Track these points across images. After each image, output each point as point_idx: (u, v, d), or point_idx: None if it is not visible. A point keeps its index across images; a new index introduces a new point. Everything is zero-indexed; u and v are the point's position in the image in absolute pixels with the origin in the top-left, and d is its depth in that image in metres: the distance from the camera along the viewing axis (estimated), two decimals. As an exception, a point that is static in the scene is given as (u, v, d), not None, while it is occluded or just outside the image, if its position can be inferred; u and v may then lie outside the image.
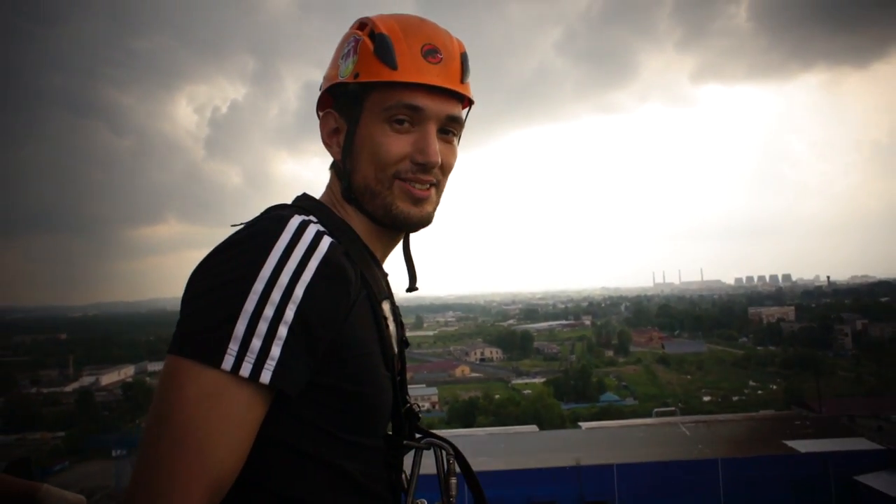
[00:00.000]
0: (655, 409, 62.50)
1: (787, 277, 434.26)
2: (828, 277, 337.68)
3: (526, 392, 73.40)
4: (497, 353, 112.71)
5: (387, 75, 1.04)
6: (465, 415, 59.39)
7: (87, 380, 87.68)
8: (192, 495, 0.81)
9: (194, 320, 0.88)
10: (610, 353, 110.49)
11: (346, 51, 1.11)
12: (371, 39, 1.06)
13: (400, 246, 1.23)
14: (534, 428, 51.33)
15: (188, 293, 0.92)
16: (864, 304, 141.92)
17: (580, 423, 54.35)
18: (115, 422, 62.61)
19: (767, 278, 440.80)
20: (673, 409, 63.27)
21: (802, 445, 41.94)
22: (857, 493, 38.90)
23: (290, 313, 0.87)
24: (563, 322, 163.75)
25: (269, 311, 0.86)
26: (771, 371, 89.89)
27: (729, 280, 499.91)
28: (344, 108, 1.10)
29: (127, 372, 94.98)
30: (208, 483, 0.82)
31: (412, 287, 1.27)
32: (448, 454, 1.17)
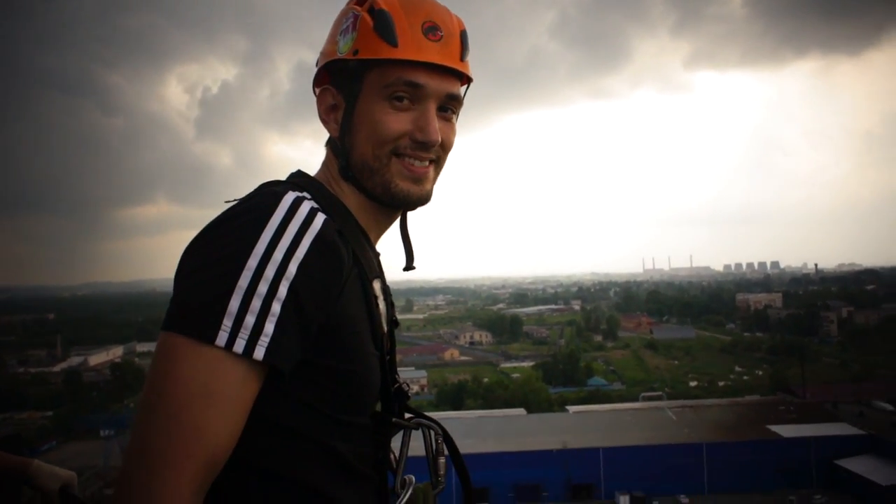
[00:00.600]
0: (642, 394, 63.05)
1: (775, 264, 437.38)
2: (815, 265, 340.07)
3: (514, 376, 73.79)
4: (486, 336, 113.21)
5: (387, 52, 1.03)
6: (454, 398, 59.77)
7: (75, 360, 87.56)
8: (187, 472, 0.81)
9: (188, 296, 0.88)
10: (598, 338, 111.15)
11: (344, 26, 1.09)
12: (370, 15, 1.04)
13: (396, 225, 1.22)
14: (522, 411, 51.77)
15: (182, 269, 0.92)
16: (850, 291, 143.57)
17: (568, 407, 54.83)
18: (104, 402, 62.66)
19: (756, 265, 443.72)
20: (660, 393, 63.86)
21: (786, 430, 42.59)
22: (837, 476, 39.55)
23: (283, 290, 0.87)
24: (553, 306, 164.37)
25: (262, 288, 0.86)
26: (757, 357, 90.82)
27: (718, 266, 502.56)
28: (342, 84, 1.09)
29: (116, 352, 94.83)
30: (203, 460, 0.83)
31: (409, 265, 1.26)
32: (437, 434, 1.17)
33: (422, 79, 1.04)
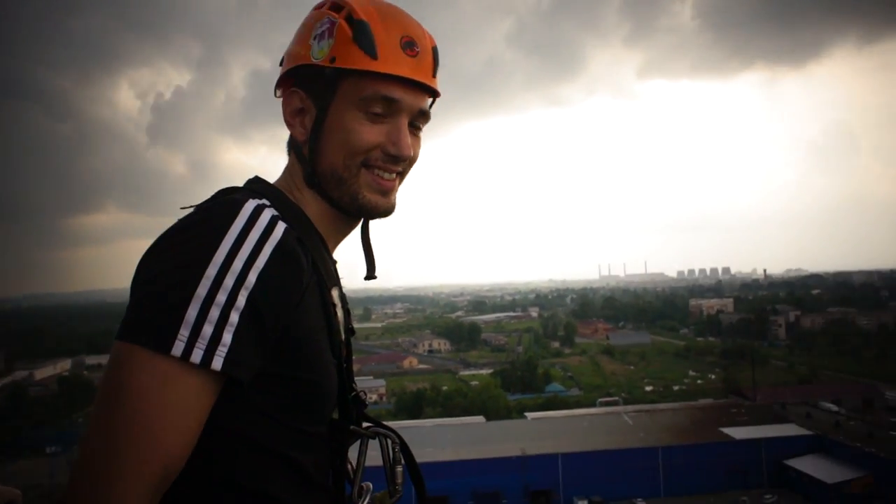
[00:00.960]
0: (599, 399, 63.82)
1: (726, 270, 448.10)
2: (764, 270, 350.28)
3: (473, 383, 73.93)
4: (445, 344, 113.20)
5: (366, 64, 1.02)
6: (413, 406, 59.56)
7: (19, 374, 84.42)
8: (139, 483, 0.80)
9: (144, 305, 0.86)
10: (556, 345, 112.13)
11: (319, 31, 1.06)
12: (349, 24, 1.03)
13: (356, 233, 1.22)
14: (480, 419, 51.87)
15: (138, 277, 0.90)
16: (797, 296, 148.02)
17: (526, 414, 55.20)
18: (50, 417, 60.55)
19: (708, 271, 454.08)
20: (616, 398, 64.70)
21: (738, 432, 43.66)
22: (786, 476, 40.73)
23: (242, 299, 0.86)
24: (511, 314, 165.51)
25: (221, 297, 0.85)
26: (710, 361, 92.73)
27: (672, 273, 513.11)
28: (314, 90, 1.07)
29: (63, 366, 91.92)
30: (156, 471, 0.81)
31: (370, 275, 1.25)
32: (393, 443, 1.17)
33: (398, 94, 1.04)
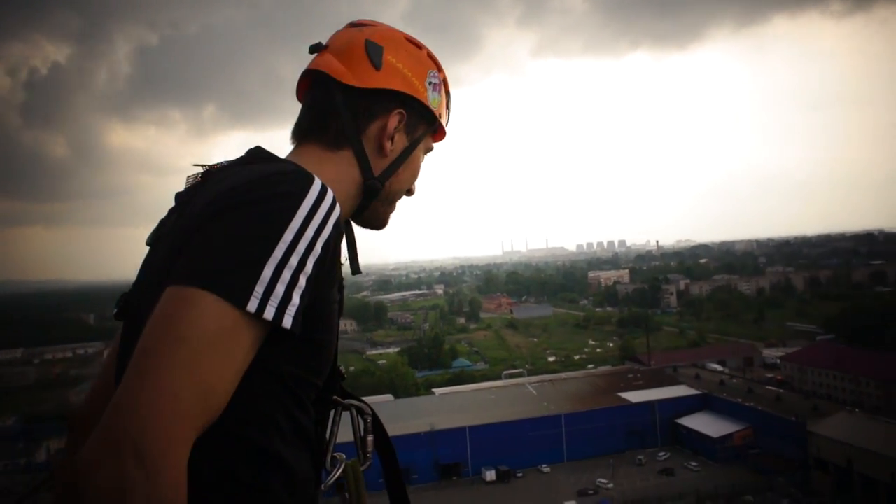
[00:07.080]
0: (504, 372, 65.33)
1: (622, 243, 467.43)
2: (657, 242, 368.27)
3: (381, 362, 74.04)
4: (351, 324, 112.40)
5: (444, 130, 1.32)
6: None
7: None
8: (189, 426, 0.80)
9: (222, 256, 0.89)
10: (462, 321, 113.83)
11: (432, 81, 1.25)
12: (447, 90, 1.30)
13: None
14: (389, 397, 52.02)
15: (216, 224, 0.92)
16: (687, 266, 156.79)
17: (434, 390, 55.86)
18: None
19: (605, 244, 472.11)
20: (521, 370, 66.44)
21: (634, 396, 45.97)
22: (678, 433, 43.41)
23: (310, 266, 0.92)
24: (417, 292, 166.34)
25: (294, 261, 0.90)
26: (608, 330, 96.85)
27: (571, 247, 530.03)
28: (414, 123, 1.22)
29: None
30: (205, 417, 0.83)
31: (357, 270, 1.28)
32: (365, 414, 1.24)
33: None
